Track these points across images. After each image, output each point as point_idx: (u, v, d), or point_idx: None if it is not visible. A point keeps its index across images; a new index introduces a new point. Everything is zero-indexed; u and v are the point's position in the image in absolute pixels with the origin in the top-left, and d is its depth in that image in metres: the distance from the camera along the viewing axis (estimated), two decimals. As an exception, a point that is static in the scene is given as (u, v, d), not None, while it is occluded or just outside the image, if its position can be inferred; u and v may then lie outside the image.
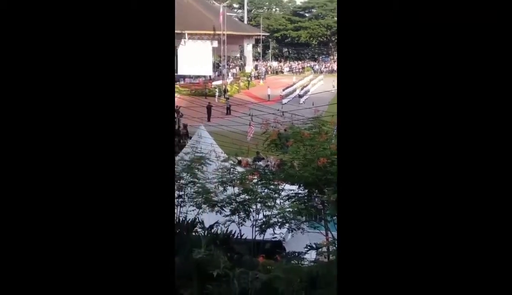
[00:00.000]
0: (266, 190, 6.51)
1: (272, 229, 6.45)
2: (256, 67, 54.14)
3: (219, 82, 35.08)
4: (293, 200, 6.28)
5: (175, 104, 26.19)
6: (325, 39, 74.91)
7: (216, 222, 6.64)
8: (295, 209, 6.14)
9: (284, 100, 36.03)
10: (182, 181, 7.09)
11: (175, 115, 23.50)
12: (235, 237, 6.59)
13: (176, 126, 22.26)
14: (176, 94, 30.05)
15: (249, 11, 72.04)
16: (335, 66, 64.88)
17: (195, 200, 6.91)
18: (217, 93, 31.46)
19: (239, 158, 10.24)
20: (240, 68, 46.61)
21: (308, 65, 66.70)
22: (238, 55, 48.68)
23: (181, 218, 6.95)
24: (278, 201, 6.49)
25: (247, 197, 6.51)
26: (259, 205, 6.53)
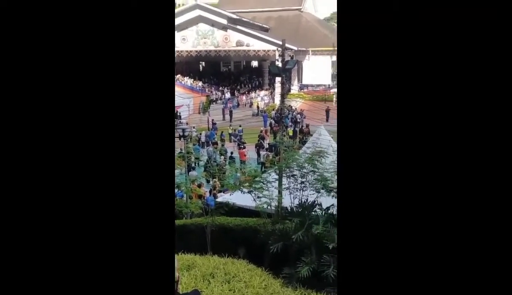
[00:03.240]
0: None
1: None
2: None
3: (336, 89, 34.65)
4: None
5: (300, 108, 26.36)
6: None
7: (332, 204, 6.58)
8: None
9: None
10: (304, 170, 7.13)
11: (299, 117, 23.63)
12: (347, 217, 6.48)
13: (300, 126, 22.38)
14: (300, 100, 30.21)
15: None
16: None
17: (314, 186, 6.93)
18: (334, 99, 31.06)
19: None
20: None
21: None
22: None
23: (303, 200, 6.99)
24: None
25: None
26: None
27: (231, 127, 22.12)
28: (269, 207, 7.20)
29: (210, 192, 12.17)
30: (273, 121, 22.93)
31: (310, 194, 6.99)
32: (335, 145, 9.31)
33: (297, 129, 21.80)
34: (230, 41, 31.22)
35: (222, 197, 10.27)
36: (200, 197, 11.29)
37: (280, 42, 14.19)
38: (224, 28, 30.92)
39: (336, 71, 36.81)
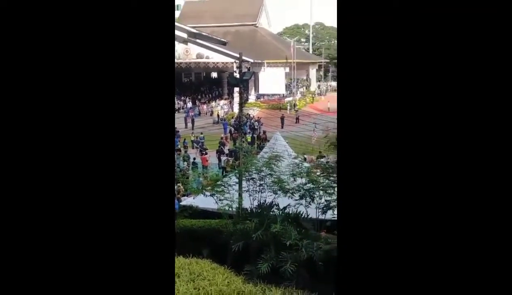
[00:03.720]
0: (326, 180, 6.49)
1: (331, 210, 6.36)
2: (318, 87, 53.85)
3: (290, 98, 35.06)
4: (348, 188, 6.15)
5: (258, 116, 26.47)
6: (373, 63, 73.52)
7: (288, 205, 6.66)
8: (350, 195, 6.03)
9: (340, 112, 35.36)
10: (262, 173, 7.17)
11: (257, 124, 23.74)
12: (303, 216, 6.58)
13: (257, 133, 22.47)
14: (257, 108, 30.33)
15: (313, 43, 71.80)
16: (381, 85, 63.35)
17: (272, 188, 6.98)
18: (288, 107, 31.44)
19: (306, 156, 10.17)
20: (306, 88, 46.43)
21: (359, 84, 65.72)
22: (305, 77, 48.51)
23: (262, 201, 7.02)
24: (336, 189, 6.36)
25: (312, 186, 6.51)
26: (321, 192, 6.49)
27: (193, 135, 21.90)
28: (230, 209, 7.17)
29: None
30: (232, 129, 22.90)
31: (268, 195, 7.04)
32: (290, 150, 9.42)
33: (255, 135, 21.88)
34: (191, 53, 31.04)
35: (186, 201, 10.12)
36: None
37: (238, 55, 14.21)
38: (184, 41, 30.67)
39: (289, 81, 37.33)
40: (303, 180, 6.65)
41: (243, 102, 12.30)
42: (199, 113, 30.64)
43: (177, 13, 37.91)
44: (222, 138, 20.23)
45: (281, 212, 6.61)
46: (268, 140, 14.70)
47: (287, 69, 36.69)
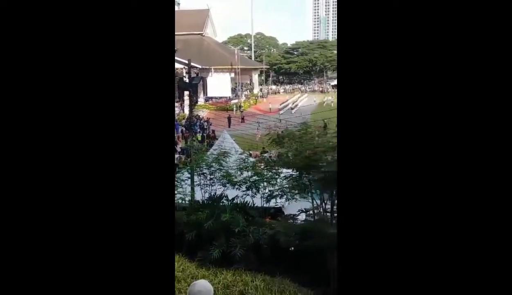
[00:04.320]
0: (270, 173, 6.61)
1: (274, 199, 6.51)
2: (261, 90, 54.49)
3: (235, 100, 35.16)
4: (289, 179, 6.32)
5: (207, 117, 26.27)
6: (308, 69, 75.22)
7: (236, 196, 6.73)
8: (290, 185, 6.21)
9: (281, 112, 35.93)
10: (212, 168, 7.19)
11: (206, 124, 23.57)
12: (249, 205, 6.66)
13: (207, 132, 22.34)
14: (206, 110, 30.10)
15: (255, 51, 72.74)
16: (315, 87, 64.85)
17: (221, 181, 7.02)
18: (234, 108, 31.52)
19: (251, 152, 10.28)
20: (250, 91, 46.79)
21: (297, 87, 66.95)
22: (248, 82, 48.90)
23: (212, 194, 7.03)
24: (278, 180, 6.55)
25: (257, 178, 6.62)
26: (265, 183, 6.61)
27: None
28: (183, 202, 7.13)
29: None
30: (184, 129, 22.57)
31: (218, 188, 7.06)
32: (237, 146, 9.51)
33: (205, 134, 21.75)
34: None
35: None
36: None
37: (186, 62, 14.03)
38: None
39: (234, 85, 37.42)
40: (249, 173, 6.75)
41: (193, 104, 12.20)
42: (152, 116, 29.92)
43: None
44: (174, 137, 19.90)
45: (230, 202, 6.67)
46: (217, 139, 14.68)
47: (232, 75, 36.80)
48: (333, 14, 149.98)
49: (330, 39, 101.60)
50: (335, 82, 65.09)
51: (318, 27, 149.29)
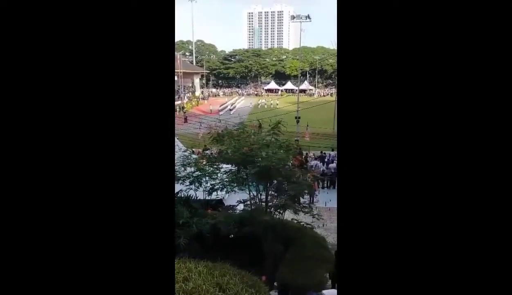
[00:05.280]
0: (211, 168, 6.42)
1: (216, 192, 6.35)
2: (202, 92, 53.86)
3: (179, 102, 34.35)
4: (228, 173, 6.24)
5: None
6: (244, 74, 75.80)
7: (180, 190, 6.49)
8: (230, 179, 6.11)
9: (221, 113, 35.79)
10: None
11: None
12: (192, 198, 6.48)
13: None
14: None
15: (196, 57, 71.74)
16: (251, 91, 65.37)
17: (166, 177, 6.76)
18: (177, 109, 30.78)
19: (194, 149, 10.03)
20: (192, 93, 45.97)
21: (234, 90, 67.07)
22: (190, 85, 48.00)
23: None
24: (219, 175, 6.40)
25: (199, 173, 6.40)
26: (207, 178, 6.40)
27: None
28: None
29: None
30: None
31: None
32: (180, 144, 9.21)
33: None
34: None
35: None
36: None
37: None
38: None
39: (177, 88, 36.46)
40: (192, 169, 6.56)
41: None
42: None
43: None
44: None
45: (175, 196, 6.43)
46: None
47: (176, 78, 35.95)
48: (265, 25, 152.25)
49: (263, 48, 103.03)
50: (268, 86, 66.47)
51: (252, 37, 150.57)
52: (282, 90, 61.79)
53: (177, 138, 10.29)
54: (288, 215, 6.21)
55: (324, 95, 48.19)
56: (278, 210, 5.87)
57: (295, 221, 6.28)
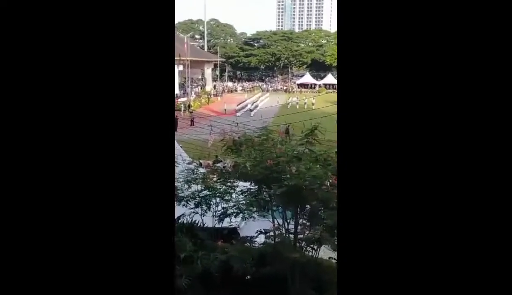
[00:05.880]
0: (223, 187, 6.48)
1: (229, 218, 6.44)
2: (214, 87, 54.19)
3: (184, 99, 34.86)
4: (246, 194, 6.28)
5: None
6: (270, 64, 75.69)
7: (183, 214, 6.59)
8: (248, 201, 6.16)
9: (238, 114, 36.04)
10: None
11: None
12: (198, 225, 6.56)
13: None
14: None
15: (208, 41, 72.20)
16: (278, 86, 65.44)
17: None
18: (182, 108, 31.25)
19: (201, 161, 10.20)
20: (201, 88, 46.49)
21: (257, 85, 67.08)
22: (200, 77, 48.58)
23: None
24: (233, 195, 6.47)
25: (208, 193, 6.47)
26: (218, 199, 6.49)
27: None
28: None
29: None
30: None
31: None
32: (184, 154, 9.37)
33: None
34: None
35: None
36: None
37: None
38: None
39: (183, 80, 37.01)
40: (199, 187, 6.61)
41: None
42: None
43: None
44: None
45: (175, 222, 6.55)
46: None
47: (181, 67, 36.40)
48: (300, 0, 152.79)
49: (296, 30, 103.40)
50: (301, 80, 66.27)
51: (282, 15, 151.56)
52: (320, 86, 61.75)
53: (180, 146, 10.51)
54: (324, 252, 6.16)
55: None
56: (311, 245, 5.85)
57: (334, 260, 6.26)
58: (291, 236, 5.86)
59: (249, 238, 6.47)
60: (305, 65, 74.29)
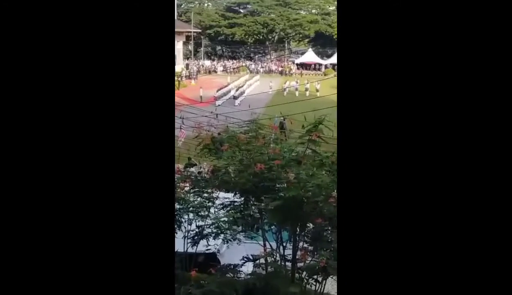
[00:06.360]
0: (199, 199, 6.34)
1: (205, 240, 6.33)
2: (187, 67, 53.94)
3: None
4: (228, 208, 6.20)
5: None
6: (261, 37, 75.31)
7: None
8: (231, 218, 6.06)
9: (218, 102, 36.11)
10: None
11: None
12: (165, 249, 6.42)
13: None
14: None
15: (178, 5, 71.12)
16: (272, 66, 65.30)
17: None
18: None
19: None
20: (172, 67, 46.64)
21: (244, 64, 66.67)
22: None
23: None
24: (212, 210, 6.35)
25: (178, 206, 6.31)
26: (191, 215, 6.35)
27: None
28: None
29: None
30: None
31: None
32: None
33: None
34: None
35: None
36: None
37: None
38: None
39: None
40: (166, 199, 6.51)
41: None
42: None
43: None
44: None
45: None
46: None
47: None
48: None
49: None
50: (301, 59, 66.37)
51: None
52: (326, 67, 61.95)
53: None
54: (332, 286, 6.08)
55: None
56: (315, 276, 5.74)
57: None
58: (288, 264, 5.83)
59: (232, 266, 6.33)
60: (306, 40, 74.51)
